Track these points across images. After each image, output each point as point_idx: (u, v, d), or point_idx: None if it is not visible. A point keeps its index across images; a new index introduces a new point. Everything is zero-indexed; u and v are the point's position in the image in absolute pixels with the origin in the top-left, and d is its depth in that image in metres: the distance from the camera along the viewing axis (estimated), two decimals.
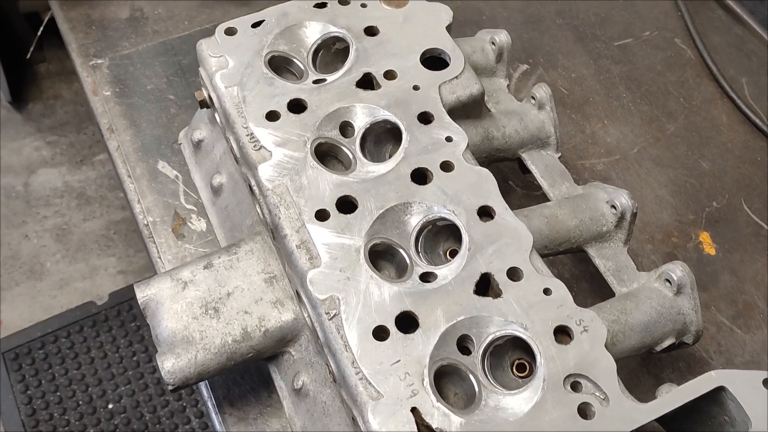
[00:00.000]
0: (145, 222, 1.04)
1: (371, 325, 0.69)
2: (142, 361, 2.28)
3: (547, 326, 0.70)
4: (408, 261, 0.76)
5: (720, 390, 0.68)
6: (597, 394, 0.67)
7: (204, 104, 0.91)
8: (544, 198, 0.98)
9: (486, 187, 0.78)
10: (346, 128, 0.84)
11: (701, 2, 1.36)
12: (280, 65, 0.89)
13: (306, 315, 0.75)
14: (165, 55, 1.22)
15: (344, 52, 0.91)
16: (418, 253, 0.77)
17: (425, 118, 0.83)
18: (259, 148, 0.80)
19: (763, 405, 0.66)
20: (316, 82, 0.87)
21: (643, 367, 0.96)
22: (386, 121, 0.83)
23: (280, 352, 0.82)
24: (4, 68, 2.62)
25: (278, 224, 0.76)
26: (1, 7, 2.63)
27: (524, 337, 0.69)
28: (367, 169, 0.80)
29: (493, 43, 1.00)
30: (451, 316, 0.70)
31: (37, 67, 2.93)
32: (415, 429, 0.63)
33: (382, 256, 0.77)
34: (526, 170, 0.99)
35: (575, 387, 0.67)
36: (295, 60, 0.90)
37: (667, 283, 0.81)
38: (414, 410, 0.65)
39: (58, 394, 2.20)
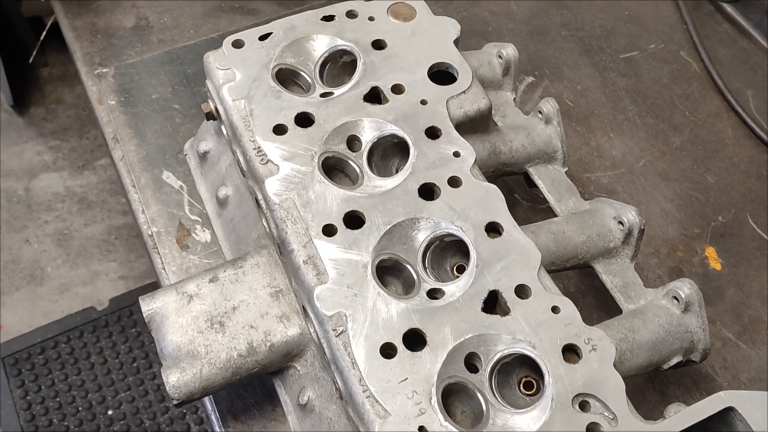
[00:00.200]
0: (150, 232, 1.04)
1: (378, 343, 0.69)
2: (142, 367, 2.27)
3: (556, 345, 0.69)
4: (415, 277, 0.75)
5: (728, 410, 0.68)
6: (606, 414, 0.67)
7: (210, 116, 0.91)
8: (549, 211, 0.98)
9: (494, 203, 0.78)
10: (353, 142, 0.84)
11: (707, 15, 1.36)
12: (287, 78, 0.89)
13: (312, 330, 0.75)
14: (170, 64, 1.22)
15: (351, 65, 0.91)
16: (425, 268, 0.77)
17: (433, 132, 0.83)
18: (267, 162, 0.80)
19: None
20: (323, 95, 0.86)
21: (649, 383, 0.96)
22: (394, 136, 0.83)
23: (286, 366, 0.82)
24: (6, 72, 2.62)
25: (285, 239, 0.75)
26: (4, 11, 2.63)
27: (533, 355, 0.68)
28: (375, 183, 0.80)
29: (500, 57, 0.99)
30: (459, 334, 0.69)
31: (40, 71, 2.94)
32: None
33: (389, 272, 0.77)
34: (531, 183, 0.99)
35: (584, 407, 0.67)
36: (302, 73, 0.89)
37: (675, 301, 0.81)
38: (421, 429, 0.64)
39: (58, 399, 2.20)
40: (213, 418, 0.90)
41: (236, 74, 0.86)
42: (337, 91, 0.86)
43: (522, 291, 0.73)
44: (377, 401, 0.66)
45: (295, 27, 0.91)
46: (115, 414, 2.20)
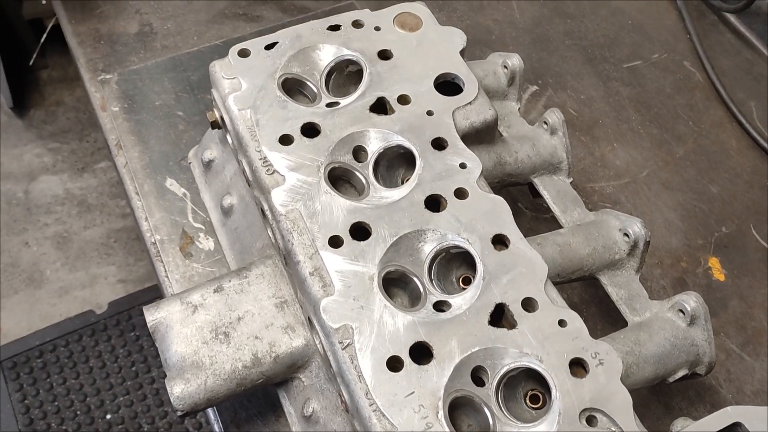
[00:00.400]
0: (153, 240, 1.03)
1: (385, 356, 0.68)
2: (140, 371, 2.27)
3: (563, 359, 0.69)
4: (421, 289, 0.75)
5: (735, 425, 0.67)
6: (613, 429, 0.66)
7: (216, 125, 0.91)
8: (553, 221, 0.98)
9: (500, 215, 0.78)
10: (359, 153, 0.84)
11: (710, 25, 1.37)
12: (292, 87, 0.89)
13: (318, 342, 0.74)
14: (174, 70, 1.21)
15: (357, 74, 0.91)
16: (431, 280, 0.76)
17: (439, 144, 0.83)
18: (272, 173, 0.80)
19: None
20: (329, 105, 0.86)
21: (653, 394, 0.96)
22: (400, 147, 0.83)
23: (290, 377, 0.82)
24: (6, 74, 2.61)
25: (291, 250, 0.75)
26: (4, 13, 2.63)
27: (540, 370, 0.68)
28: (381, 194, 0.80)
29: (505, 67, 0.99)
30: (466, 347, 0.69)
31: (40, 73, 2.93)
32: None
33: (395, 284, 0.77)
34: (536, 193, 0.98)
35: (590, 421, 0.67)
36: (308, 83, 0.89)
37: (681, 314, 0.81)
38: None
39: (56, 404, 2.19)
40: (216, 428, 0.90)
41: (242, 83, 0.86)
42: (343, 101, 0.86)
43: (529, 304, 0.73)
44: (384, 415, 0.65)
45: (302, 36, 0.91)
46: (114, 418, 2.19)
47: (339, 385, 0.70)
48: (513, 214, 0.79)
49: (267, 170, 0.80)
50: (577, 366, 0.70)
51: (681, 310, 0.81)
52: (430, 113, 0.85)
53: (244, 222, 0.92)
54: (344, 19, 0.93)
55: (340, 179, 0.83)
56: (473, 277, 0.77)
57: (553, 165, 0.95)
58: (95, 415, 2.20)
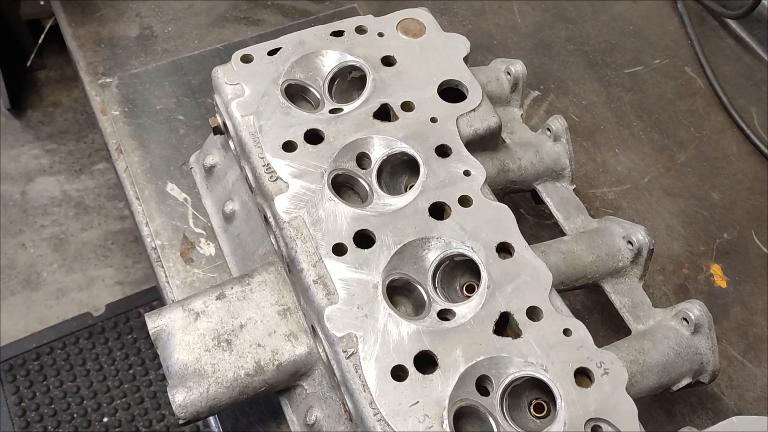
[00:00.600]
0: (153, 245, 1.03)
1: (389, 365, 0.68)
2: (138, 374, 2.26)
3: (568, 368, 0.69)
4: (426, 297, 0.75)
5: None
6: None
7: (218, 131, 0.91)
8: (555, 227, 0.98)
9: (505, 223, 0.78)
10: (362, 159, 0.83)
11: (711, 31, 1.37)
12: (295, 93, 0.89)
13: (321, 351, 0.74)
14: (174, 74, 1.21)
15: (360, 80, 0.91)
16: (435, 288, 0.76)
17: (443, 151, 0.82)
18: (276, 179, 0.79)
19: None
20: (332, 111, 0.86)
21: (655, 401, 0.96)
22: (403, 154, 0.83)
23: (293, 385, 0.81)
24: (3, 75, 2.60)
25: (295, 258, 0.75)
26: (2, 14, 2.62)
27: (545, 379, 0.68)
28: (384, 201, 0.79)
29: (508, 73, 0.99)
30: (471, 357, 0.69)
31: (37, 74, 2.92)
32: None
33: (399, 292, 0.76)
34: (538, 200, 0.98)
35: (596, 431, 0.67)
36: (311, 89, 0.89)
37: (684, 322, 0.81)
38: None
39: (53, 406, 2.18)
40: None
41: (245, 89, 0.86)
42: (347, 108, 0.86)
43: (533, 313, 0.72)
44: (389, 425, 0.65)
45: (305, 42, 0.90)
46: (111, 421, 2.19)
47: (343, 394, 0.70)
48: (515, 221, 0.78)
49: (270, 177, 0.79)
50: (582, 375, 0.69)
51: (685, 319, 0.81)
52: (433, 120, 0.85)
53: (247, 228, 0.92)
54: (347, 24, 0.93)
55: (343, 186, 0.82)
56: (477, 284, 0.76)
57: (556, 172, 0.95)
58: (92, 418, 2.19)
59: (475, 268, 0.76)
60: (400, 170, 0.85)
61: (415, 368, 0.68)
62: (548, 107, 1.23)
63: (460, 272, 0.79)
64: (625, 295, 0.86)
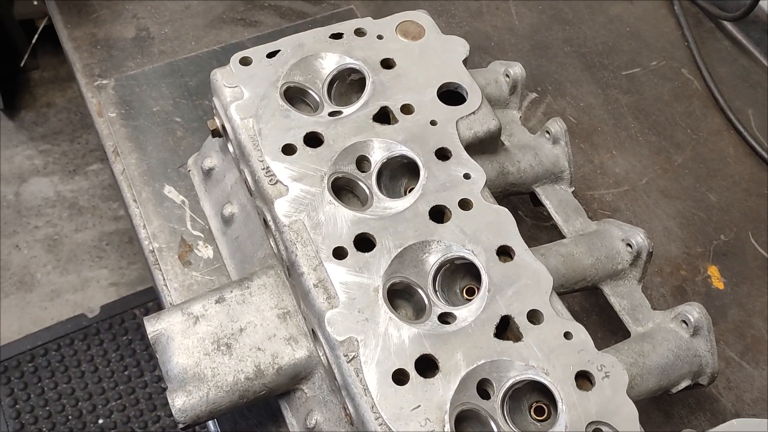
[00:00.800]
0: (151, 248, 1.03)
1: (391, 369, 0.68)
2: (133, 375, 2.25)
3: (569, 372, 0.69)
4: (426, 301, 0.75)
5: None
6: None
7: (216, 133, 0.90)
8: (553, 229, 0.98)
9: (505, 226, 0.78)
10: (362, 162, 0.83)
11: (708, 32, 1.37)
12: (294, 96, 0.88)
13: (322, 354, 0.74)
14: (171, 76, 1.20)
15: (359, 83, 0.90)
16: (435, 291, 0.76)
17: (443, 154, 0.82)
18: (275, 183, 0.79)
19: None
20: (331, 114, 0.86)
21: (653, 403, 0.96)
22: (403, 157, 0.82)
23: (293, 388, 0.81)
24: None
25: (295, 261, 0.75)
26: None
27: (546, 383, 0.68)
28: (384, 205, 0.79)
29: (507, 76, 0.99)
30: (472, 360, 0.69)
31: (31, 74, 2.91)
32: None
33: (399, 295, 0.76)
34: (537, 202, 0.98)
35: None
36: (310, 91, 0.89)
37: (684, 324, 0.81)
38: None
39: (48, 408, 2.17)
40: None
41: (244, 92, 0.86)
42: (346, 111, 0.86)
43: (534, 316, 0.72)
44: (390, 429, 0.65)
45: (304, 44, 0.90)
46: (106, 423, 2.18)
47: (344, 398, 0.70)
48: None
49: (270, 180, 0.79)
50: (583, 379, 0.69)
51: (684, 321, 0.81)
52: (433, 123, 0.85)
53: (245, 231, 0.92)
54: (346, 27, 0.92)
55: (343, 189, 0.82)
56: (477, 288, 0.76)
57: (555, 174, 0.95)
58: (87, 420, 2.18)
59: (475, 271, 0.76)
60: (399, 173, 0.85)
61: (416, 372, 0.68)
62: (546, 109, 1.23)
63: (460, 275, 0.79)
64: (625, 298, 0.86)
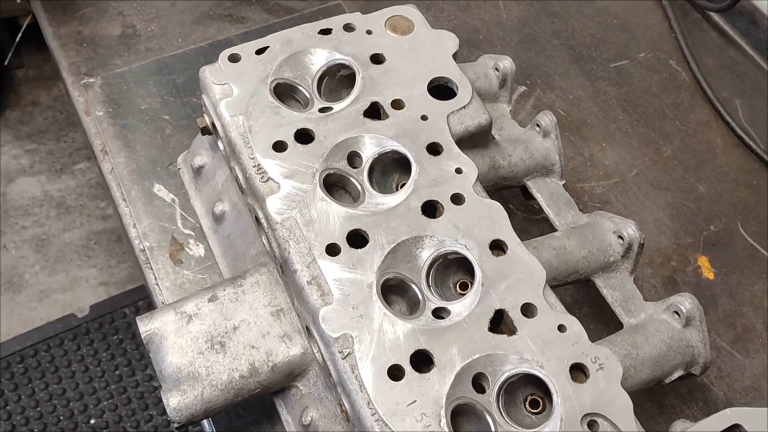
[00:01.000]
0: (142, 247, 1.02)
1: (386, 364, 0.68)
2: (124, 375, 2.24)
3: (563, 364, 0.69)
4: (420, 296, 0.75)
5: (734, 427, 0.68)
6: None
7: (206, 131, 0.90)
8: (544, 222, 0.98)
9: (497, 220, 0.78)
10: (353, 158, 0.83)
11: (695, 24, 1.38)
12: (284, 93, 0.88)
13: (316, 351, 0.74)
14: (159, 73, 1.19)
15: (349, 79, 0.90)
16: (429, 287, 0.76)
17: (434, 149, 0.82)
18: (267, 180, 0.79)
19: None
20: (322, 110, 0.85)
21: (646, 393, 0.96)
22: (395, 152, 0.82)
23: (288, 386, 0.81)
24: None
25: (288, 259, 0.74)
26: None
27: (541, 376, 0.68)
28: (377, 201, 0.79)
29: (496, 69, 0.99)
30: (467, 355, 0.69)
31: (15, 72, 2.88)
32: None
33: (393, 291, 0.76)
34: (527, 195, 0.99)
35: (592, 426, 0.67)
36: (300, 87, 0.88)
37: (676, 315, 0.82)
38: None
39: (39, 409, 2.16)
40: None
41: (233, 89, 0.85)
42: (337, 107, 0.85)
43: (528, 310, 0.73)
44: (386, 424, 0.65)
45: (293, 41, 0.90)
46: (98, 423, 2.17)
47: (340, 394, 0.70)
48: None
49: (261, 177, 0.79)
50: (578, 371, 0.70)
51: (676, 312, 0.81)
52: (424, 118, 0.85)
53: (237, 229, 0.91)
54: (335, 22, 0.92)
55: (335, 186, 0.82)
56: (470, 282, 0.77)
57: (546, 167, 0.95)
58: (79, 420, 2.17)
59: (468, 265, 0.76)
60: (391, 169, 0.85)
61: (411, 367, 0.68)
62: (535, 102, 1.23)
63: (453, 270, 0.79)
64: (617, 290, 0.87)
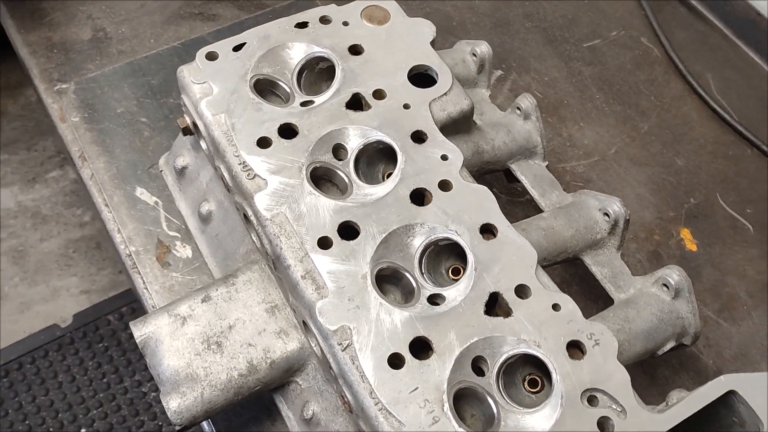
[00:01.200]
0: (128, 252, 1.01)
1: (386, 354, 0.68)
2: (112, 382, 2.22)
3: (560, 342, 0.70)
4: (414, 284, 0.75)
5: (729, 393, 0.70)
6: (614, 407, 0.68)
7: (187, 131, 0.89)
8: (528, 203, 0.99)
9: (486, 204, 0.78)
10: (338, 151, 0.83)
11: (663, 0, 1.39)
12: (264, 89, 0.88)
13: (315, 345, 0.74)
14: (133, 76, 1.18)
15: (328, 71, 0.90)
16: (422, 274, 0.76)
17: (418, 137, 0.83)
18: (253, 177, 0.78)
19: None
20: (303, 104, 0.85)
21: (638, 366, 0.98)
22: (379, 142, 0.82)
23: (287, 381, 0.81)
24: None
25: (280, 255, 0.74)
26: None
27: (539, 355, 0.69)
28: (365, 191, 0.79)
29: (474, 55, 1.00)
30: (465, 339, 0.70)
31: None
32: None
33: (387, 280, 0.77)
34: (511, 178, 0.99)
35: (592, 401, 0.68)
36: (280, 82, 0.88)
37: (665, 288, 0.83)
38: None
39: (27, 422, 2.13)
40: None
41: (213, 88, 0.84)
42: (318, 100, 0.85)
43: (522, 291, 0.73)
44: (390, 413, 0.65)
45: (269, 36, 0.89)
46: None
47: (341, 386, 0.70)
48: None
49: (248, 175, 0.78)
50: (574, 348, 0.71)
51: (665, 285, 0.83)
52: (406, 107, 0.85)
53: (225, 228, 0.91)
54: (311, 15, 0.92)
55: (321, 179, 0.82)
56: (462, 267, 0.77)
57: (529, 150, 0.96)
58: (69, 430, 2.15)
59: (458, 250, 0.77)
60: (376, 159, 0.85)
61: (411, 355, 0.68)
62: (511, 85, 1.24)
63: (444, 256, 0.80)
64: (605, 266, 0.88)
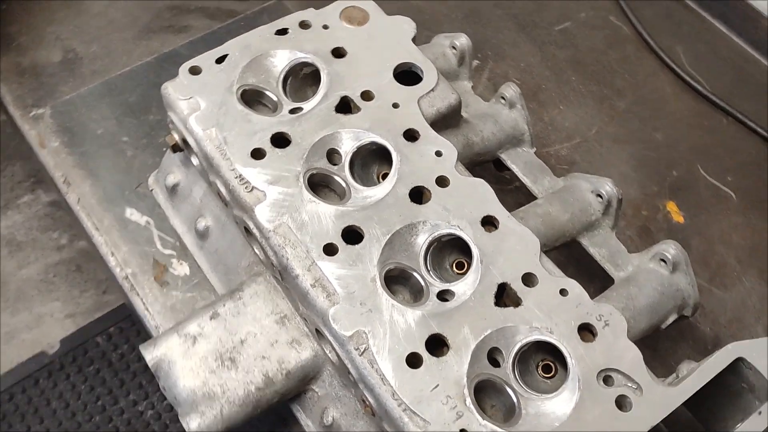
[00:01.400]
0: (124, 275, 1.00)
1: (403, 354, 0.69)
2: (107, 404, 2.19)
3: (571, 327, 0.71)
4: (422, 282, 0.76)
5: (738, 360, 0.72)
6: (629, 384, 0.69)
7: (177, 148, 0.88)
8: (518, 191, 1.00)
9: (484, 197, 0.79)
10: (332, 155, 0.83)
11: None
12: (251, 99, 0.87)
13: (330, 351, 0.74)
14: (109, 95, 1.16)
15: (312, 76, 0.90)
16: (428, 271, 0.77)
17: (411, 135, 0.83)
18: (251, 189, 0.78)
19: None
20: (292, 111, 0.85)
21: (640, 341, 0.98)
22: (373, 143, 0.83)
23: (303, 390, 0.81)
24: None
25: (287, 265, 0.74)
26: None
27: (553, 341, 0.70)
28: (363, 194, 0.80)
29: (453, 47, 1.00)
30: (479, 332, 0.71)
31: None
32: None
33: (395, 281, 0.77)
34: (501, 167, 1.00)
35: (607, 381, 0.70)
36: (266, 92, 0.87)
37: (662, 263, 0.85)
38: None
39: None
40: None
41: (200, 102, 0.84)
42: (306, 106, 0.85)
43: (529, 279, 0.74)
44: (414, 413, 0.66)
45: (251, 45, 0.89)
46: None
47: (362, 390, 0.70)
48: None
49: (245, 188, 0.78)
50: (585, 331, 0.72)
51: (662, 259, 0.84)
52: (395, 106, 0.85)
53: (224, 242, 0.90)
54: (290, 21, 0.91)
55: (319, 185, 0.82)
56: (466, 261, 0.78)
57: (516, 138, 0.97)
58: None
59: (460, 244, 0.78)
60: (370, 160, 0.85)
61: (428, 353, 0.69)
62: (489, 74, 1.25)
63: (447, 251, 0.80)
64: (602, 246, 0.90)
